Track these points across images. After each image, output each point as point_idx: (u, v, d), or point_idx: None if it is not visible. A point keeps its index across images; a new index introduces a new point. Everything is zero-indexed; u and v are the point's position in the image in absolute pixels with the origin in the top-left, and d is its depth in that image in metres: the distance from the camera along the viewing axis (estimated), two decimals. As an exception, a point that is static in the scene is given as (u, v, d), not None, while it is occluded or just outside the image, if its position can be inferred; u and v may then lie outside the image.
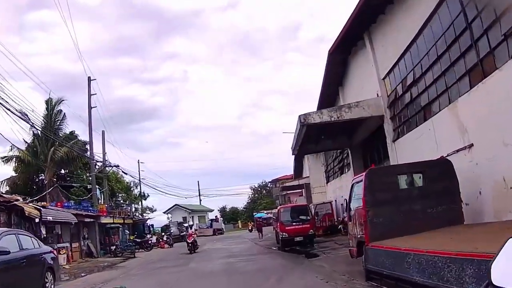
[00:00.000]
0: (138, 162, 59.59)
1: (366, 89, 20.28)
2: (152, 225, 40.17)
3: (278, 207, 26.78)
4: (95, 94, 39.06)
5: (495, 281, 2.03)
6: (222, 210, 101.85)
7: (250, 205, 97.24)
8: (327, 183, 36.84)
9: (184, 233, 47.51)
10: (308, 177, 44.46)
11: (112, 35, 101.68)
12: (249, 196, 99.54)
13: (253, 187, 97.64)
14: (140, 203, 58.78)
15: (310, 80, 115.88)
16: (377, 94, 18.68)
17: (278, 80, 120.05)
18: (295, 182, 46.55)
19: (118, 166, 38.64)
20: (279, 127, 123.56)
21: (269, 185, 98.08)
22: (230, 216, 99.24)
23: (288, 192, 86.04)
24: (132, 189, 54.60)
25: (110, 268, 21.36)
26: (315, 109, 25.68)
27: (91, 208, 30.90)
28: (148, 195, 56.57)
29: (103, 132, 39.88)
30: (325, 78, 24.88)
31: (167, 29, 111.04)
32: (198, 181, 72.63)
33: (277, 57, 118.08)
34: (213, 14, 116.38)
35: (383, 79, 18.37)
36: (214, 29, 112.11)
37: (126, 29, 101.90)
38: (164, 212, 63.61)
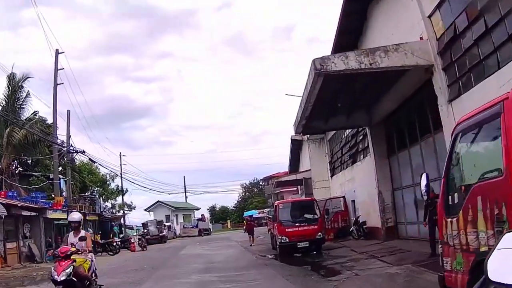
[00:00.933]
0: (120, 155, 53.82)
1: (399, 38, 14.36)
2: (112, 224, 33.86)
3: (276, 203, 20.58)
4: (63, 69, 33.34)
5: (491, 276, 2.01)
6: (212, 209, 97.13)
7: (240, 204, 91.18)
8: (331, 176, 30.99)
9: (163, 233, 41.59)
10: (307, 170, 38.59)
11: (106, 33, 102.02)
12: (240, 195, 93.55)
13: (244, 185, 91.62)
14: (121, 198, 52.48)
15: (303, 80, 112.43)
16: (421, 38, 12.90)
17: (271, 80, 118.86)
18: (292, 177, 40.55)
19: (84, 151, 32.48)
20: (271, 127, 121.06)
21: (261, 183, 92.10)
22: (220, 215, 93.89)
23: (282, 189, 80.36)
24: (108, 182, 48.39)
25: (36, 282, 15.19)
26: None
27: (42, 201, 24.79)
28: (127, 190, 50.43)
29: (68, 112, 33.92)
30: (337, 36, 19.00)
31: (161, 28, 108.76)
32: (184, 177, 66.29)
33: (271, 57, 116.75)
34: (208, 13, 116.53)
35: (430, 16, 12.62)
36: (208, 29, 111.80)
37: (120, 27, 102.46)
38: (145, 210, 57.71)
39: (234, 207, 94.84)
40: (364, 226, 20.98)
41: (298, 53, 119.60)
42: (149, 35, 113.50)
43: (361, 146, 22.54)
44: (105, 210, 48.23)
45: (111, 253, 26.92)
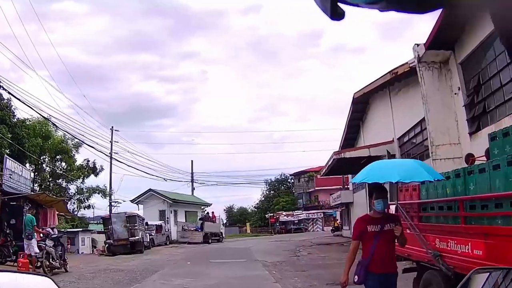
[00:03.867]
0: (112, 130, 38.58)
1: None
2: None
3: None
4: None
5: None
6: (229, 210, 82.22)
7: (263, 204, 74.00)
8: (473, 132, 14.11)
9: (137, 237, 24.91)
10: (387, 143, 22.49)
11: (131, 30, 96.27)
12: (263, 193, 76.25)
13: (269, 181, 74.12)
14: (109, 183, 36.49)
15: (325, 88, 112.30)
16: None
17: (294, 86, 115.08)
18: (362, 152, 23.18)
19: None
20: (292, 133, 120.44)
21: (290, 180, 74.83)
22: (238, 217, 78.36)
23: (319, 187, 62.98)
24: (72, 154, 32.29)
25: None
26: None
27: None
28: (102, 169, 34.19)
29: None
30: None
31: (187, 28, 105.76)
32: (191, 161, 49.26)
33: (295, 63, 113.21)
34: (234, 16, 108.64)
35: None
36: (234, 31, 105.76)
37: (145, 25, 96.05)
38: (132, 201, 41.07)
39: (255, 207, 77.87)
40: None
41: (323, 60, 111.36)
42: (175, 34, 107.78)
43: None
44: (66, 192, 32.37)
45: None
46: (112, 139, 38.87)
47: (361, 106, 27.00)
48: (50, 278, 2.53)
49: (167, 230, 36.10)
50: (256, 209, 76.93)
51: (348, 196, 36.84)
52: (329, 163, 25.58)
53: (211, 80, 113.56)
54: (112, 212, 28.36)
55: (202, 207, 45.59)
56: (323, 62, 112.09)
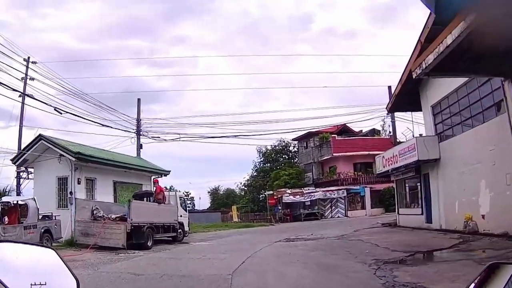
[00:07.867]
0: (27, 61, 25.17)
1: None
2: None
3: None
4: None
5: None
6: (214, 193, 65.37)
7: (256, 180, 54.09)
8: None
9: None
10: None
11: (122, 15, 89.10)
12: (255, 165, 56.53)
13: (263, 150, 54.20)
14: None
15: (317, 73, 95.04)
16: None
17: (285, 70, 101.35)
18: None
19: None
20: (283, 117, 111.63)
21: (292, 147, 54.72)
22: (224, 200, 60.22)
23: (337, 153, 42.59)
24: None
25: None
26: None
27: None
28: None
29: None
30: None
31: (179, 12, 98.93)
32: (138, 99, 28.85)
33: (287, 48, 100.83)
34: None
35: None
36: (226, 15, 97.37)
37: (136, 10, 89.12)
38: (14, 161, 21.15)
39: (244, 186, 58.09)
40: None
41: (314, 45, 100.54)
42: (166, 19, 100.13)
43: None
44: None
45: None
46: (26, 74, 24.30)
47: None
48: (53, 249, 2.25)
49: (53, 218, 16.22)
50: (245, 188, 57.25)
51: (430, 147, 17.53)
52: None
53: (202, 65, 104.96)
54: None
55: (151, 177, 25.37)
56: (315, 47, 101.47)
